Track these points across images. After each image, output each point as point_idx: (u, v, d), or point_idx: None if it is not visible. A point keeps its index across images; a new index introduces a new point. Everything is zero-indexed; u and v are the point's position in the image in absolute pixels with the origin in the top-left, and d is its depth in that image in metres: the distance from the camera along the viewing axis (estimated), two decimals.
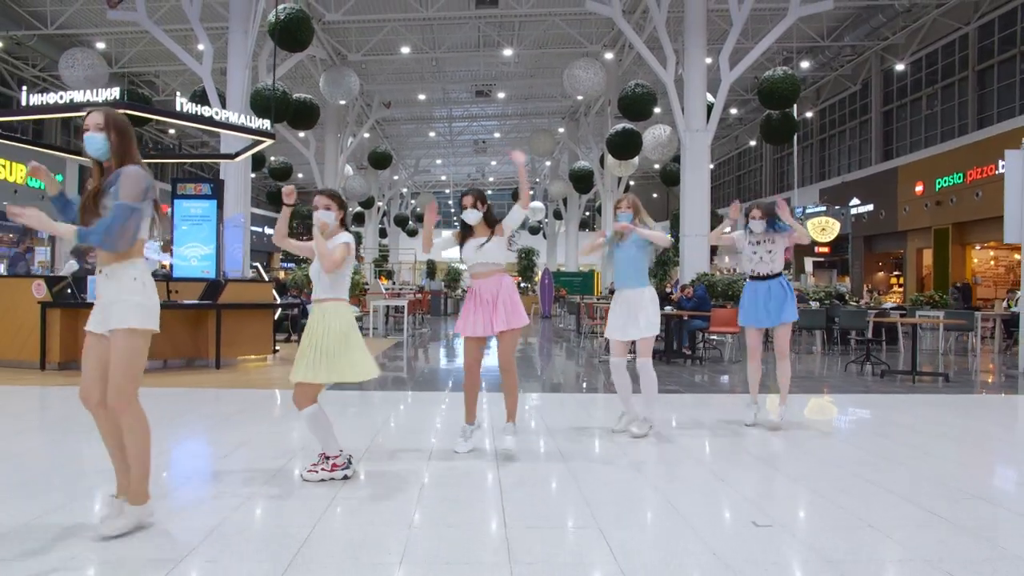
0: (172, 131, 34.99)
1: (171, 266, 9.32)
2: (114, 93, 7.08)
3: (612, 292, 5.64)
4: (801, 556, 2.83)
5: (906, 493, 3.75)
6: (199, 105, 7.93)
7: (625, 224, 4.97)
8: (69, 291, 6.89)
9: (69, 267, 8.06)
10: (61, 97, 6.96)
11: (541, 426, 5.39)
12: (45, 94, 6.96)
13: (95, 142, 2.91)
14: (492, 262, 4.52)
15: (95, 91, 6.99)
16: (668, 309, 9.97)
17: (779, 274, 5.37)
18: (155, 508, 3.07)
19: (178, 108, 7.52)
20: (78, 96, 6.95)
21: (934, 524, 3.24)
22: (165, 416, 5.28)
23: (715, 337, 12.06)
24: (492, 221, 4.57)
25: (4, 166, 25.33)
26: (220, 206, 8.78)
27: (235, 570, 2.59)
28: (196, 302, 7.44)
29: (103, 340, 2.89)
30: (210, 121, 7.83)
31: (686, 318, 9.52)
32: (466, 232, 4.61)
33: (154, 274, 7.64)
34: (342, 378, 3.79)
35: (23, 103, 6.92)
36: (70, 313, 7.12)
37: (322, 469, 3.76)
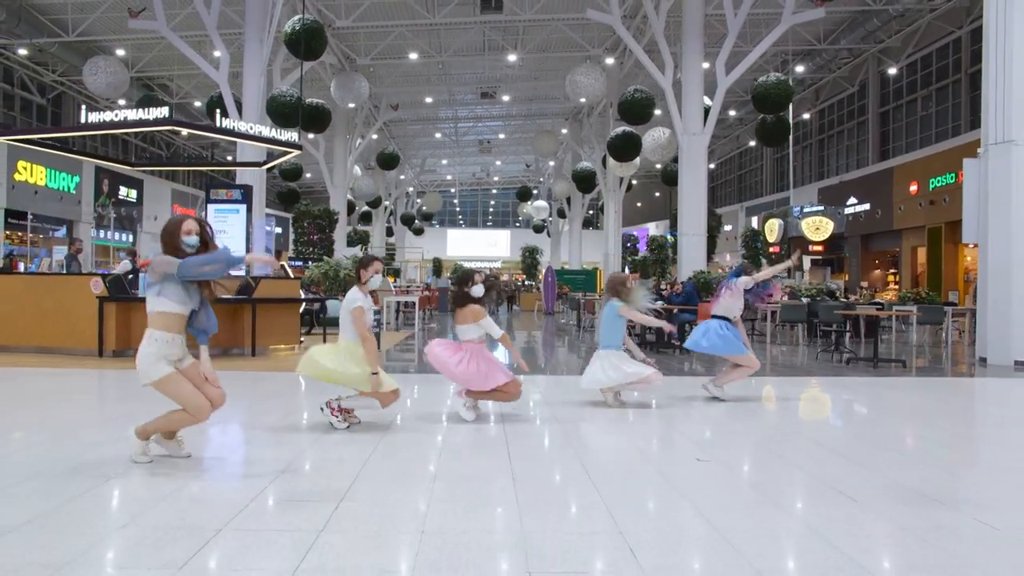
0: (185, 132, 35.95)
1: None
2: (163, 112, 7.95)
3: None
4: (728, 480, 3.79)
5: (825, 441, 4.75)
6: (225, 116, 8.79)
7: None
8: (131, 278, 7.82)
9: (123, 266, 8.99)
10: (116, 115, 7.86)
11: (542, 400, 6.25)
12: (102, 112, 7.87)
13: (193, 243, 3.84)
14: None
15: (147, 111, 7.89)
16: (660, 304, 10.79)
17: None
18: (251, 446, 4.18)
19: (218, 124, 8.44)
20: (131, 115, 7.85)
21: (837, 461, 4.18)
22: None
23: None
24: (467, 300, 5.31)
25: (26, 168, 26.28)
26: (250, 210, 9.69)
27: (318, 481, 3.58)
28: (235, 297, 8.34)
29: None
30: (248, 136, 8.72)
31: (675, 311, 10.35)
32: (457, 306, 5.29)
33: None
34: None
35: (83, 120, 7.80)
36: (123, 306, 8.04)
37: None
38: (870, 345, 11.07)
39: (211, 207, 9.88)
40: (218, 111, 8.61)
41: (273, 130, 8.92)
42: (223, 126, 8.30)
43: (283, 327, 8.91)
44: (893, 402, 6.74)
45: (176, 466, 3.75)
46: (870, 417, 5.85)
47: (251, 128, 8.61)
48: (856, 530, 2.92)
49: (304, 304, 9.78)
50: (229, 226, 9.75)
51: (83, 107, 7.82)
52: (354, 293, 4.82)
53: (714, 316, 6.21)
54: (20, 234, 26.41)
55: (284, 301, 8.95)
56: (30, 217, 24.51)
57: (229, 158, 28.69)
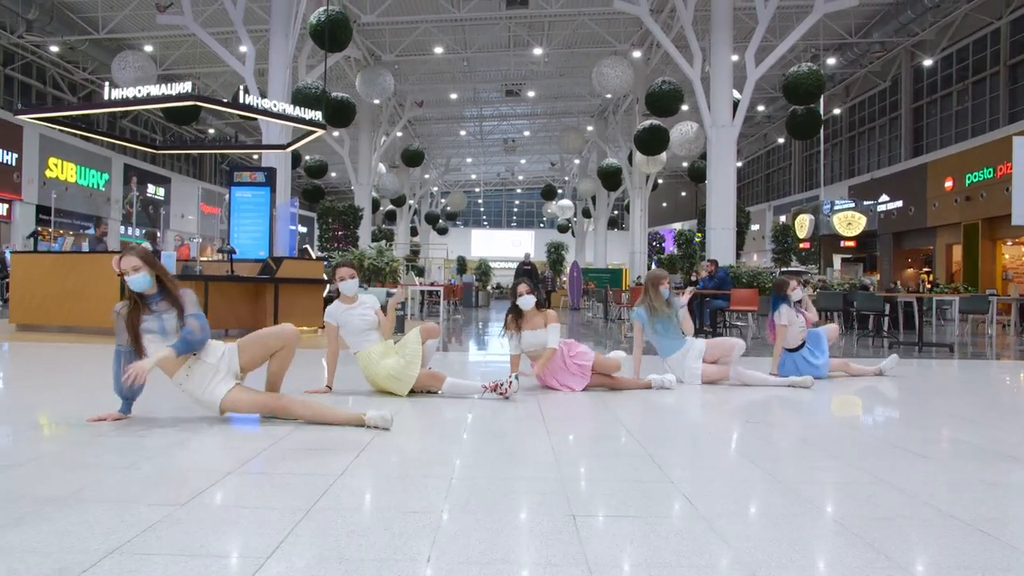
0: (212, 131, 36.31)
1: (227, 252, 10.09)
2: (186, 87, 7.86)
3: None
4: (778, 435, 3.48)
5: (881, 410, 4.36)
6: (259, 98, 8.72)
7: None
8: None
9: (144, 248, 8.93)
10: (139, 91, 7.78)
11: None
12: (125, 89, 7.79)
13: (143, 282, 3.43)
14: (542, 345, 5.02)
15: (169, 86, 7.79)
16: (689, 290, 10.50)
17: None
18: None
19: (241, 100, 8.32)
20: (154, 90, 7.76)
21: (895, 425, 3.85)
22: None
23: (739, 323, 12.57)
24: (541, 303, 5.09)
25: (57, 165, 26.66)
26: (273, 191, 9.57)
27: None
28: (258, 277, 8.21)
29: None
30: (271, 113, 8.58)
31: (707, 298, 10.05)
32: (519, 318, 5.04)
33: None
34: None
35: (106, 97, 7.73)
36: None
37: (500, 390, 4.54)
38: (910, 334, 10.68)
39: (234, 191, 9.79)
40: (241, 88, 8.46)
41: (297, 109, 8.81)
42: (246, 102, 8.20)
43: (306, 308, 8.77)
44: (948, 379, 6.42)
45: (199, 421, 3.58)
46: (926, 390, 5.55)
47: (274, 105, 8.49)
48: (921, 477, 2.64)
49: (328, 288, 9.63)
50: (255, 206, 9.66)
51: (106, 84, 7.77)
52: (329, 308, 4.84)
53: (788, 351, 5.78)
54: (50, 230, 26.81)
55: (307, 282, 8.80)
56: (53, 212, 24.87)
57: (256, 157, 28.90)
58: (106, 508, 2.14)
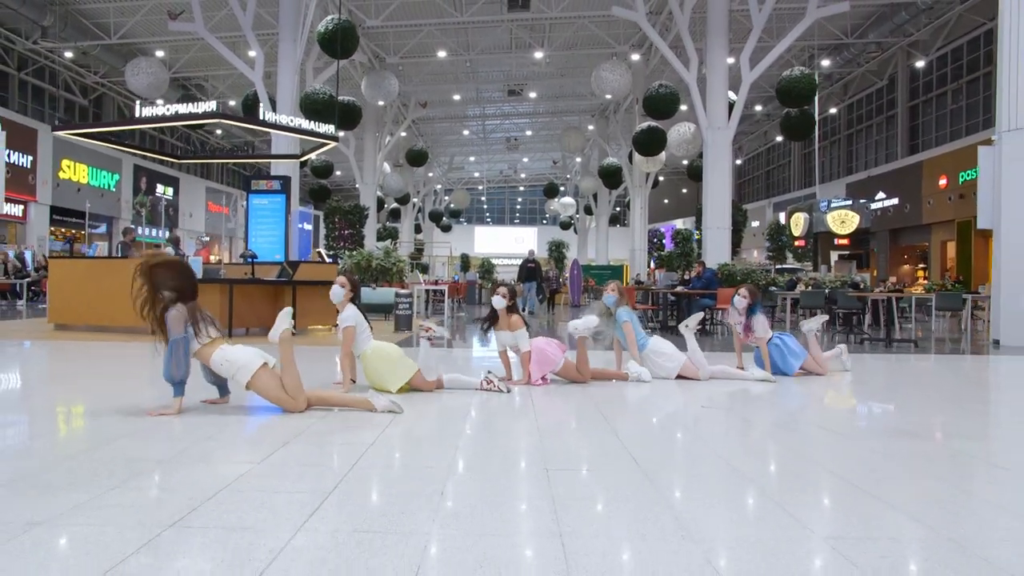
0: (219, 131, 37.01)
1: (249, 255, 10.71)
2: (211, 106, 8.50)
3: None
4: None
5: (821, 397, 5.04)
6: (269, 107, 9.38)
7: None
8: None
9: (167, 253, 9.63)
10: (168, 109, 8.45)
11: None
12: (155, 107, 8.47)
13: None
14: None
15: (196, 105, 8.43)
16: (680, 288, 11.15)
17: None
18: None
19: (260, 116, 8.98)
20: (182, 108, 8.43)
21: (829, 411, 4.48)
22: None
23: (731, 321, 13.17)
24: (511, 308, 5.56)
25: (69, 166, 27.37)
26: (288, 199, 10.24)
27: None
28: (276, 280, 8.89)
29: None
30: (288, 128, 9.27)
31: (695, 298, 10.68)
32: (493, 318, 5.59)
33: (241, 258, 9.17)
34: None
35: (136, 114, 8.40)
36: None
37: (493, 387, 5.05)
38: (891, 330, 11.29)
39: (251, 198, 10.47)
40: (261, 105, 9.14)
41: (312, 124, 9.48)
42: (265, 119, 8.85)
43: (321, 308, 9.44)
44: (897, 371, 7.08)
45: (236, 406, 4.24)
46: (872, 379, 6.20)
47: (291, 121, 9.16)
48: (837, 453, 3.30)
49: None
50: (272, 212, 10.33)
51: (137, 102, 8.43)
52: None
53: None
54: (64, 230, 27.59)
55: (322, 284, 9.46)
56: (87, 215, 25.68)
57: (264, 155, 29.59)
58: (203, 465, 2.87)
